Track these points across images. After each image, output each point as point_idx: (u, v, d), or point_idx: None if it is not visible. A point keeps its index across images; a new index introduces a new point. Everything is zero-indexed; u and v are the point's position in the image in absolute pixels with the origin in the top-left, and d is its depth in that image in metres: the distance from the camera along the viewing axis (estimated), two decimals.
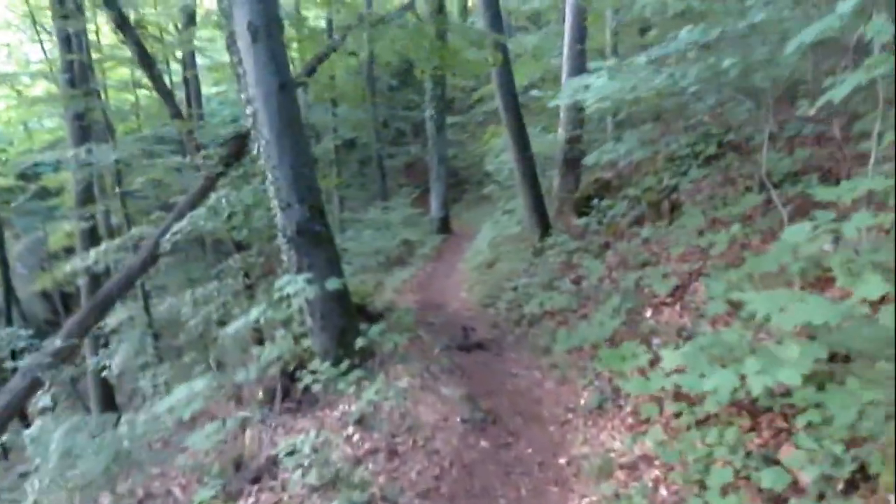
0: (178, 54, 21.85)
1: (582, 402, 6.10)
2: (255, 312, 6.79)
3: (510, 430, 5.89)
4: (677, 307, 6.84)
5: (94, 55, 15.85)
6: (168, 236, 8.54)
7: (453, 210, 23.55)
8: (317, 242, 7.33)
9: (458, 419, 5.83)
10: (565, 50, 14.29)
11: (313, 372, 6.79)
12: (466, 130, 26.01)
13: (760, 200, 6.64)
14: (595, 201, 11.04)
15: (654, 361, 5.70)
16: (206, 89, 27.95)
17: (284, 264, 7.52)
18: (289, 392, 7.44)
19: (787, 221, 6.20)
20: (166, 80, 24.42)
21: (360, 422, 5.86)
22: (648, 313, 7.01)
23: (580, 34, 14.10)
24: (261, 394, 7.11)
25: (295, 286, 6.59)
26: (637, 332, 6.73)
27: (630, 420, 5.42)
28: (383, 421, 5.73)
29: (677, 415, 4.95)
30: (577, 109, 14.45)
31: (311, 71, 11.11)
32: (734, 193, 7.67)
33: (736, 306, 5.79)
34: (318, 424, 6.21)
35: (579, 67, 14.04)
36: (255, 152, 7.71)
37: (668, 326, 6.55)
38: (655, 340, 6.50)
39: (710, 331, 5.90)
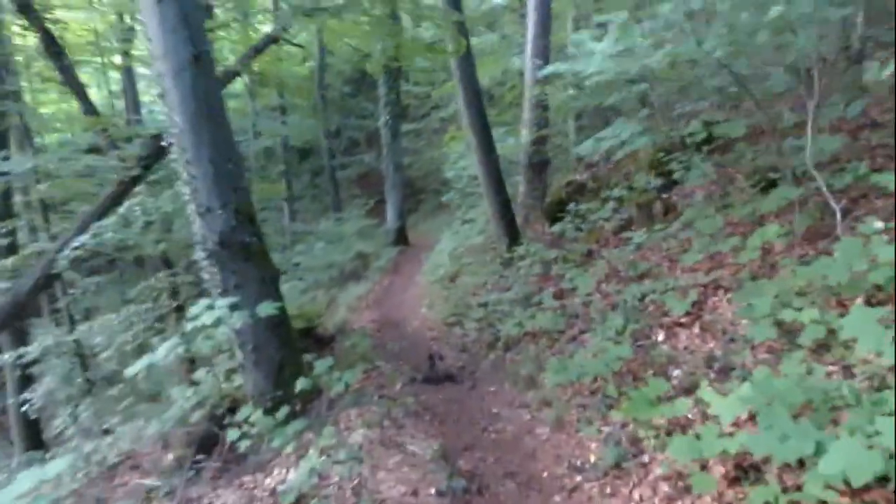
0: (118, 60, 19.97)
1: (592, 458, 4.54)
2: (162, 350, 5.10)
3: (501, 502, 4.30)
4: (696, 328, 5.36)
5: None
6: (67, 252, 6.79)
7: (410, 220, 21.98)
8: (246, 257, 5.70)
9: (433, 491, 4.20)
10: (528, 46, 12.87)
11: (242, 423, 5.10)
12: (423, 138, 24.48)
13: (796, 195, 5.19)
14: (571, 206, 9.56)
15: (694, 409, 4.18)
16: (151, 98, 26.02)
17: (206, 284, 5.86)
18: (215, 444, 5.79)
19: (842, 219, 4.77)
20: (106, 88, 22.56)
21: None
22: (660, 336, 5.51)
23: (544, 29, 12.72)
24: (170, 456, 5.41)
25: (214, 314, 4.93)
26: (649, 361, 5.24)
27: (666, 488, 3.89)
28: (330, 500, 4.08)
29: (741, 492, 3.43)
30: (542, 108, 13.10)
31: (247, 60, 9.46)
32: (750, 189, 6.24)
33: (789, 330, 4.33)
34: (245, 500, 4.54)
35: (543, 63, 12.67)
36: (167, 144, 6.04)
37: (689, 354, 5.06)
38: (675, 372, 5.01)
39: (752, 361, 4.44)
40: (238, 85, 22.58)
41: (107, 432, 8.77)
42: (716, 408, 3.67)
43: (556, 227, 9.44)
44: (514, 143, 14.47)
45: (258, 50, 9.83)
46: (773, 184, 6.04)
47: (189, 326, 4.94)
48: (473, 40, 14.92)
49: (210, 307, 4.98)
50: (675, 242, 6.84)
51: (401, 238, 18.51)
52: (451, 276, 12.54)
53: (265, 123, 21.32)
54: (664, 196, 7.87)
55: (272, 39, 10.01)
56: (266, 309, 5.31)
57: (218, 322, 4.93)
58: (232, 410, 5.82)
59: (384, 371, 7.07)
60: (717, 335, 5.07)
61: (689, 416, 4.18)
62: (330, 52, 23.47)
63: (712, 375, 4.67)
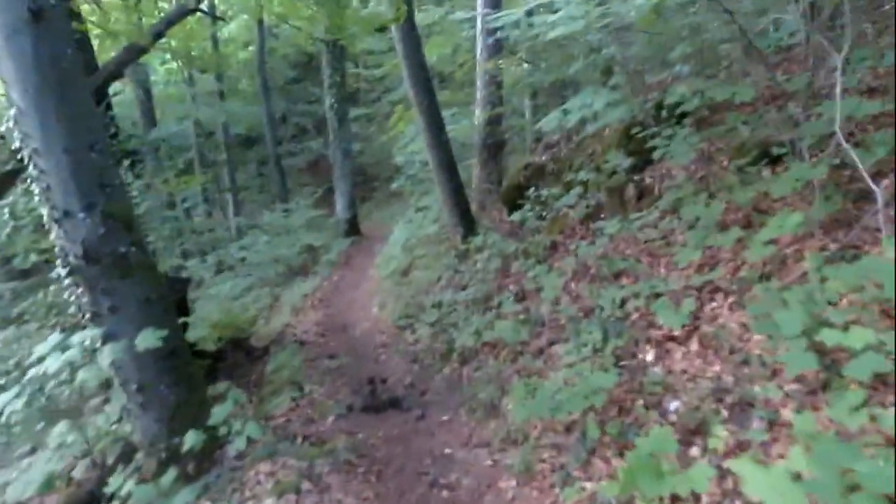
0: None
1: None
2: (5, 395, 3.77)
3: None
4: (693, 344, 4.19)
5: None
6: None
7: (362, 210, 20.63)
8: (123, 272, 4.36)
9: None
10: (479, 19, 11.61)
11: (113, 498, 3.81)
12: (374, 123, 23.04)
13: (819, 174, 4.01)
14: (531, 191, 8.35)
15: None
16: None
17: (72, 308, 4.53)
18: None
19: (883, 203, 3.61)
20: None
21: None
22: (649, 354, 4.34)
23: (495, 2, 11.46)
24: None
25: (67, 355, 3.61)
26: (637, 388, 4.07)
27: None
28: None
29: None
30: (496, 85, 11.87)
31: (159, 32, 8.01)
32: (748, 168, 5.06)
33: (821, 350, 3.19)
34: None
35: (496, 44, 11.44)
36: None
37: (689, 380, 3.89)
38: (672, 404, 3.85)
39: (778, 395, 3.29)
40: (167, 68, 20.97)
41: None
42: (754, 488, 2.48)
43: (516, 216, 8.22)
44: (467, 124, 13.24)
45: (171, 22, 8.39)
46: (775, 160, 4.88)
47: (33, 373, 3.61)
48: (420, 16, 13.58)
49: (63, 347, 3.65)
50: (656, 233, 5.65)
51: (352, 229, 17.15)
52: (403, 271, 11.27)
53: (204, 111, 19.74)
54: (637, 178, 6.69)
55: (187, 11, 8.58)
56: (147, 340, 4.00)
57: (69, 361, 3.61)
58: (128, 457, 4.56)
59: (315, 399, 5.80)
60: (723, 354, 3.90)
61: (712, 496, 2.98)
62: (273, 34, 21.91)
63: (724, 413, 3.51)
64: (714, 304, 4.38)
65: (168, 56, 19.01)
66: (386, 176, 21.16)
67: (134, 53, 7.87)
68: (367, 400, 5.82)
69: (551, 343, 5.38)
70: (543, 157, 9.38)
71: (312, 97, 23.54)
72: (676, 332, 4.29)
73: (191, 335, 7.75)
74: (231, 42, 22.46)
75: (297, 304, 11.88)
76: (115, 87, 22.37)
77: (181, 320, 6.32)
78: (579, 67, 7.77)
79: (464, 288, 8.14)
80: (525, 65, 11.76)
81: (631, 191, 6.56)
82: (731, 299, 4.33)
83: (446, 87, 18.94)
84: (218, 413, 4.00)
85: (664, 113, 6.34)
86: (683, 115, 5.93)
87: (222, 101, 19.87)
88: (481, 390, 5.37)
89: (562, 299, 5.80)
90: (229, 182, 19.73)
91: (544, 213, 7.89)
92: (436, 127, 9.70)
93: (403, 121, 11.73)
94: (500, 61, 11.09)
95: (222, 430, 4.00)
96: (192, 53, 17.48)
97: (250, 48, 21.72)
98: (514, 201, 9.20)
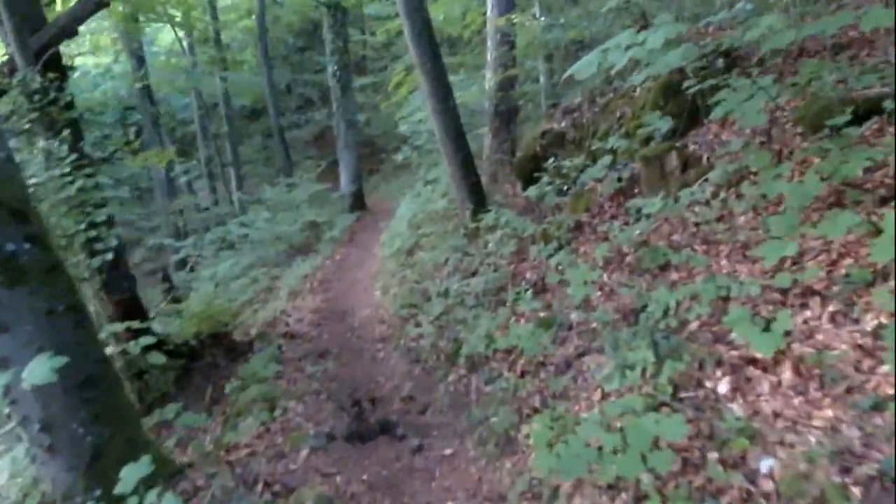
0: None
1: None
2: None
3: None
4: (786, 372, 2.98)
5: None
6: None
7: (369, 183, 19.44)
8: (13, 279, 3.18)
9: None
10: None
11: None
12: (380, 92, 21.63)
13: None
14: (550, 162, 7.10)
15: None
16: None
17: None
18: None
19: None
20: None
21: None
22: (722, 385, 3.12)
23: None
24: None
25: None
26: (707, 435, 2.88)
27: None
28: None
29: None
30: (509, 45, 10.54)
31: None
32: (832, 131, 3.79)
33: None
34: None
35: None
36: None
37: (787, 429, 2.69)
38: (764, 464, 2.67)
39: None
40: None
41: None
42: None
43: (532, 191, 6.96)
44: (476, 90, 11.93)
45: None
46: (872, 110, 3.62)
47: None
48: None
49: None
50: (710, 213, 4.41)
51: (358, 203, 15.94)
52: (408, 250, 10.08)
53: (207, 82, 18.48)
54: (680, 145, 5.41)
55: None
56: (38, 373, 2.82)
57: None
58: None
59: (291, 420, 4.65)
60: (836, 392, 2.70)
61: None
62: (276, 1, 20.56)
63: (854, 490, 2.31)
64: (808, 314, 3.15)
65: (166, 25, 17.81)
66: (394, 147, 19.78)
67: (91, 6, 6.64)
68: (354, 424, 4.66)
69: (581, 354, 4.18)
70: (562, 124, 8.11)
71: (318, 66, 22.17)
72: (760, 354, 3.07)
73: (164, 330, 6.62)
74: (233, 10, 21.13)
75: (295, 287, 10.73)
76: (108, 57, 21.18)
77: (127, 325, 5.20)
78: (612, 5, 6.45)
79: (473, 274, 6.95)
80: (541, 20, 10.40)
81: (673, 160, 5.29)
82: (830, 307, 3.11)
83: (455, 51, 17.60)
84: (127, 477, 2.85)
85: (720, 62, 5.06)
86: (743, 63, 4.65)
87: (224, 71, 18.58)
88: (494, 412, 4.20)
89: (592, 296, 4.58)
90: (231, 156, 18.51)
91: (566, 188, 6.67)
92: (442, 91, 8.42)
93: (406, 85, 10.41)
94: (514, 17, 9.75)
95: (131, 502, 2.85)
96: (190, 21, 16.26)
97: (252, 17, 20.40)
98: (529, 174, 7.97)
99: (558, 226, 6.04)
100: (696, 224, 4.51)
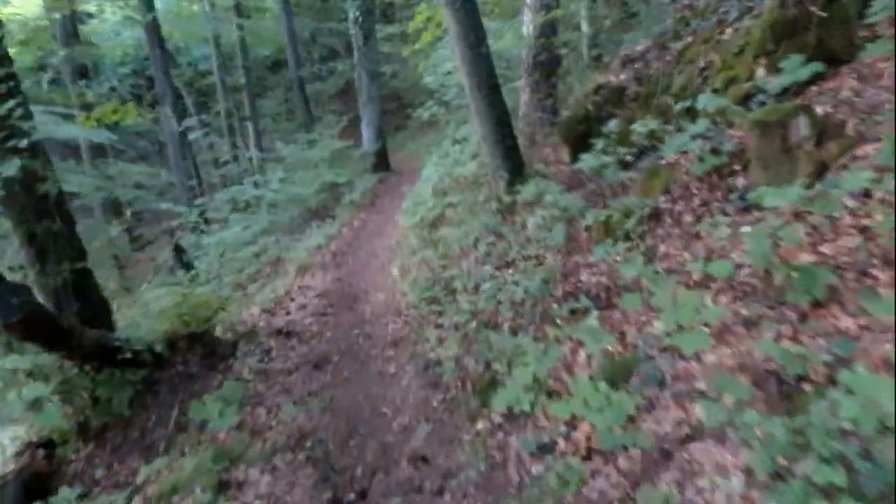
0: None
1: None
2: None
3: None
4: None
5: None
6: None
7: (395, 140, 17.70)
8: None
9: None
10: None
11: None
12: (408, 43, 19.68)
13: None
14: (610, 124, 5.38)
15: None
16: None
17: None
18: None
19: None
20: None
21: None
22: None
23: None
24: None
25: None
26: None
27: None
28: None
29: None
30: None
31: None
32: None
33: None
34: None
35: None
36: None
37: None
38: None
39: None
40: None
41: None
42: None
43: (586, 161, 5.23)
44: (511, 36, 10.11)
45: None
46: None
47: None
48: None
49: None
50: (882, 214, 2.72)
51: (380, 163, 14.26)
52: (432, 222, 8.47)
53: (224, 30, 16.75)
54: (816, 108, 3.66)
55: None
56: None
57: None
58: None
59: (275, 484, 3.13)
60: None
61: None
62: None
63: None
64: None
65: None
66: (421, 102, 18.04)
67: None
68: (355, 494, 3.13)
69: (689, 437, 2.57)
70: (622, 77, 6.33)
71: (343, 15, 20.21)
72: None
73: (125, 334, 5.13)
74: None
75: (304, 261, 9.18)
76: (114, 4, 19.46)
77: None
78: None
79: (509, 265, 5.33)
80: None
81: (802, 127, 3.54)
82: None
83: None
84: None
85: None
86: None
87: (241, 18, 16.80)
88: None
89: (696, 336, 2.93)
90: (249, 109, 16.85)
91: (633, 161, 4.96)
92: (473, 34, 6.69)
93: (430, 30, 8.62)
94: None
95: None
96: None
97: None
98: (579, 139, 6.26)
99: (625, 212, 4.36)
100: (862, 230, 2.82)
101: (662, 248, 3.84)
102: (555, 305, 4.14)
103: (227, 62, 17.95)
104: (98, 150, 16.64)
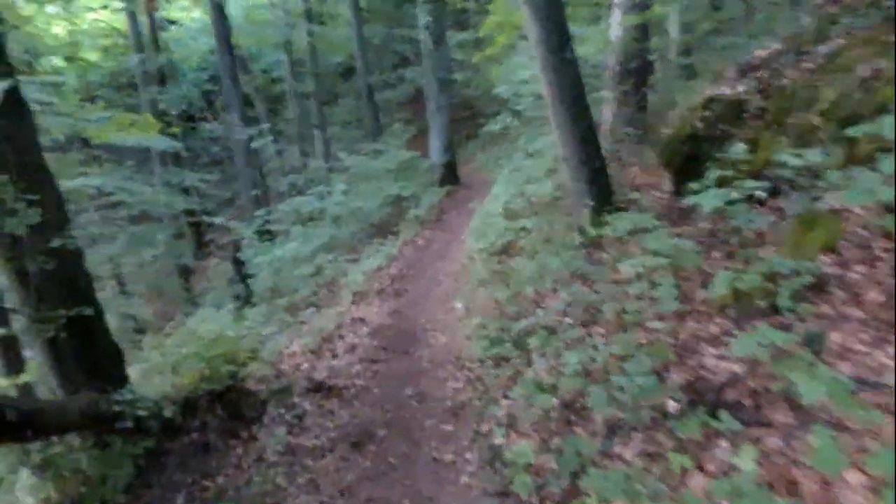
0: None
1: None
2: None
3: None
4: None
5: None
6: None
7: (465, 151, 16.58)
8: None
9: None
10: None
11: None
12: (480, 48, 18.54)
13: None
14: (737, 148, 4.10)
15: None
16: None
17: None
18: None
19: None
20: None
21: None
22: None
23: None
24: None
25: None
26: None
27: None
28: None
29: None
30: None
31: None
32: None
33: None
34: None
35: None
36: None
37: None
38: None
39: None
40: None
41: None
42: None
43: (704, 197, 3.94)
44: (595, 42, 8.84)
45: None
46: None
47: None
48: None
49: None
50: None
51: (449, 176, 13.16)
52: (502, 249, 7.31)
53: (295, 36, 16.01)
54: None
55: None
56: None
57: None
58: None
59: None
60: None
61: None
62: None
63: None
64: None
65: None
66: (494, 112, 16.84)
67: None
68: None
69: None
70: (740, 88, 5.01)
71: (414, 22, 19.26)
72: None
73: (132, 393, 4.17)
74: None
75: (359, 287, 8.16)
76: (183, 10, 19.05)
77: None
78: None
79: (598, 324, 4.13)
80: None
81: None
82: None
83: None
84: None
85: None
86: None
87: (313, 24, 16.01)
88: None
89: None
90: (318, 117, 16.03)
91: (764, 196, 3.68)
92: (557, 37, 5.54)
93: (505, 31, 7.42)
94: None
95: None
96: None
97: None
98: (684, 163, 5.01)
99: (766, 274, 3.09)
100: None
101: (836, 339, 2.57)
102: (671, 403, 2.92)
103: (297, 69, 17.24)
104: (174, 157, 16.22)
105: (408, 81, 18.39)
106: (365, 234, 11.27)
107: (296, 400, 4.80)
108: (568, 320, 4.48)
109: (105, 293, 11.24)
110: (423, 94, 15.98)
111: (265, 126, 13.70)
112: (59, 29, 17.42)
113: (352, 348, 6.06)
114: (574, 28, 9.31)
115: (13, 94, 3.92)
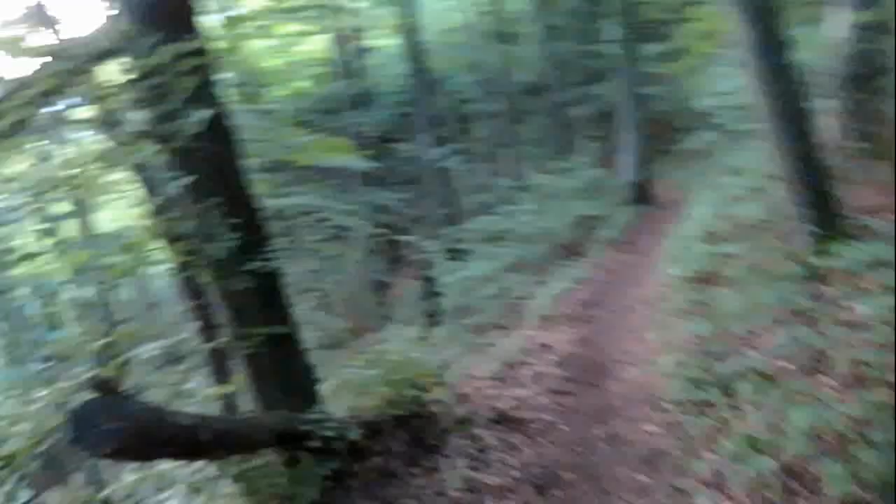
0: None
1: None
2: None
3: None
4: None
5: None
6: None
7: (658, 168, 15.59)
8: None
9: None
10: None
11: None
12: (676, 60, 17.47)
13: None
14: None
15: None
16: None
17: None
18: None
19: None
20: None
21: None
22: None
23: None
24: None
25: None
26: None
27: None
28: None
29: None
30: None
31: None
32: None
33: None
34: None
35: None
36: None
37: None
38: None
39: None
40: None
41: None
42: None
43: None
44: (813, 44, 7.84)
45: None
46: None
47: None
48: None
49: None
50: None
51: (641, 195, 12.48)
52: (702, 277, 6.65)
53: (480, 54, 16.21)
54: None
55: None
56: None
57: None
58: None
59: None
60: None
61: None
62: None
63: None
64: None
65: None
66: (689, 126, 15.75)
67: None
68: None
69: None
70: None
71: (605, 36, 18.67)
72: None
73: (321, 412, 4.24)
74: None
75: (548, 311, 7.87)
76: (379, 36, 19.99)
77: None
78: None
79: (821, 369, 3.50)
80: None
81: None
82: None
83: None
84: None
85: None
86: None
87: (503, 43, 16.11)
88: None
89: None
90: (507, 136, 16.03)
91: None
92: (772, 41, 4.92)
93: (709, 40, 6.77)
94: None
95: None
96: None
97: None
98: None
99: None
100: None
101: None
102: None
103: (487, 88, 17.43)
104: (374, 178, 17.10)
105: (596, 98, 17.85)
106: (552, 254, 10.97)
107: (478, 431, 4.62)
108: (784, 364, 3.86)
109: (304, 307, 11.96)
110: (612, 110, 15.40)
111: (454, 146, 13.94)
112: (276, 60, 19.14)
113: (538, 377, 5.78)
114: (790, 30, 8.39)
115: (218, 121, 4.18)
